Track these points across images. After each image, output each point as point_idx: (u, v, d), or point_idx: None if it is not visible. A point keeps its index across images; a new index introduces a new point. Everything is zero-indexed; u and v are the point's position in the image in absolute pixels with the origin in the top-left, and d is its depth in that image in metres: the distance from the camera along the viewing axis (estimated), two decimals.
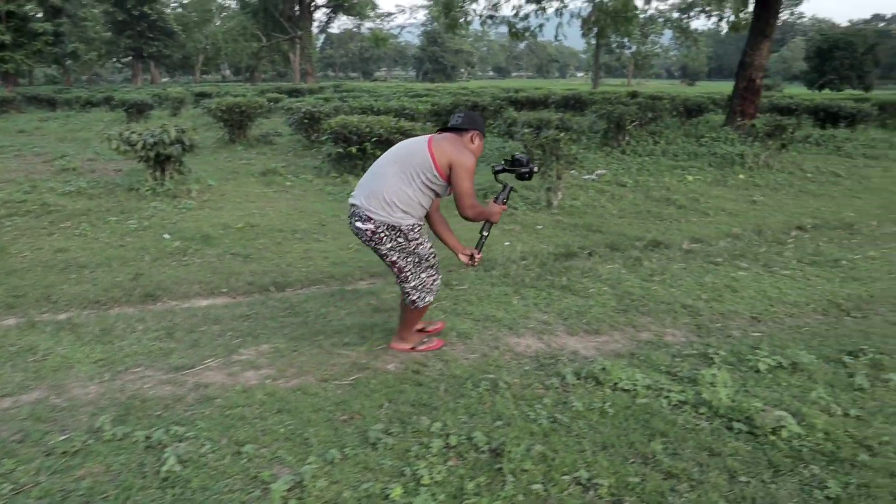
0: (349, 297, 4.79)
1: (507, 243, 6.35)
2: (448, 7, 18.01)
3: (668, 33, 57.98)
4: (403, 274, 3.57)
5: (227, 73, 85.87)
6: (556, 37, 23.10)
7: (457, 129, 3.62)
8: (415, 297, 3.65)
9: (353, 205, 3.53)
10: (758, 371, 3.59)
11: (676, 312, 4.58)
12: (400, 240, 3.47)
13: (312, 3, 56.65)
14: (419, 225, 3.53)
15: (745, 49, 14.99)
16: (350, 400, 3.26)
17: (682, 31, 44.76)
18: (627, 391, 3.32)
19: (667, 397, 3.25)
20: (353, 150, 9.06)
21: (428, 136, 3.56)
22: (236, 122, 13.30)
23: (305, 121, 12.38)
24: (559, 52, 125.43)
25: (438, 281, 3.73)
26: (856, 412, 3.18)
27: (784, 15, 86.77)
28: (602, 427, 2.99)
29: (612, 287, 5.04)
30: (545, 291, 4.89)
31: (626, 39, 50.16)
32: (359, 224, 3.47)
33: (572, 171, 9.09)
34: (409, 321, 3.81)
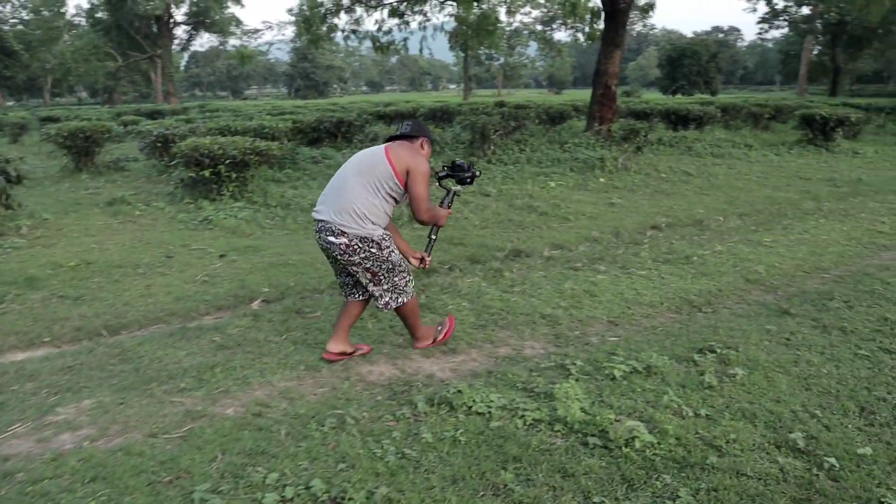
0: (190, 336, 4.36)
1: None
2: (308, 22, 17.63)
3: (533, 45, 60.11)
4: (377, 278, 3.66)
5: (84, 94, 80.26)
6: (420, 50, 23.25)
7: (407, 137, 3.75)
8: (387, 299, 3.73)
9: (320, 220, 3.60)
10: (613, 378, 3.56)
11: (536, 323, 4.52)
12: (373, 249, 3.57)
13: (171, 21, 54.13)
14: (388, 234, 3.66)
15: (599, 58, 15.68)
16: (179, 456, 2.90)
17: (547, 43, 46.57)
18: (482, 414, 3.16)
19: (522, 417, 3.13)
20: (207, 173, 8.52)
21: (384, 146, 3.67)
22: (81, 148, 12.21)
23: (158, 144, 11.57)
24: (431, 65, 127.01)
25: (412, 283, 3.84)
26: (706, 411, 3.20)
27: (637, 27, 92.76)
28: (453, 458, 2.81)
29: (471, 302, 4.92)
30: None
31: (493, 51, 51.46)
32: (331, 238, 3.54)
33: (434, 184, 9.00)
34: (410, 318, 3.90)
